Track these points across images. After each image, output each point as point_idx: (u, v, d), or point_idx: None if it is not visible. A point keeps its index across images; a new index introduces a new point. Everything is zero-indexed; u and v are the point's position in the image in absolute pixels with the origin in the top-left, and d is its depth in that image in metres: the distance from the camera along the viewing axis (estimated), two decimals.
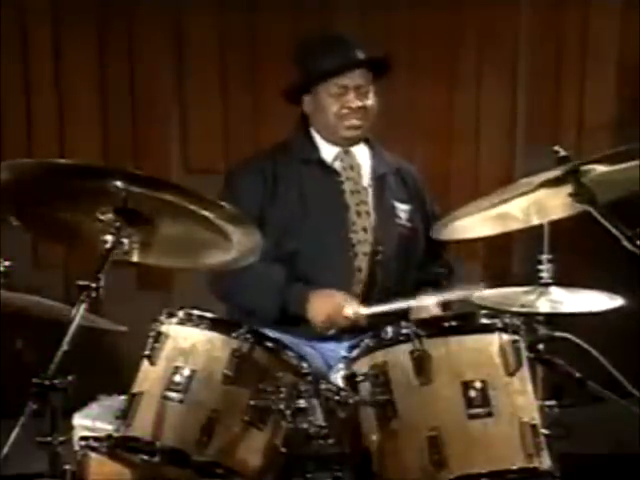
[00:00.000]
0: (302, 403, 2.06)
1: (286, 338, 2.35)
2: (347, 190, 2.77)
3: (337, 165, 2.80)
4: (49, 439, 1.90)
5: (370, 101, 2.76)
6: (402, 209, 2.81)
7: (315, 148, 2.81)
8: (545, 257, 2.44)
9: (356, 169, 2.80)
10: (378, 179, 2.81)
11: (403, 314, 2.60)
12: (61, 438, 1.92)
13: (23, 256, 3.83)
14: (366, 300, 2.62)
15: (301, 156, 2.80)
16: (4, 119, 4.02)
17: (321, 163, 2.79)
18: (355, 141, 2.81)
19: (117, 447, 2.05)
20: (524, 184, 2.17)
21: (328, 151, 2.80)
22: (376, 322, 2.47)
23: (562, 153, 2.13)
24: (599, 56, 4.24)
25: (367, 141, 2.85)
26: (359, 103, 2.73)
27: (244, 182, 2.77)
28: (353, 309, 2.56)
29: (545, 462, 2.00)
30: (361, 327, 2.53)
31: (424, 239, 2.80)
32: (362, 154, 2.83)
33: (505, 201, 2.23)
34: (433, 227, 2.51)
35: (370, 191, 2.79)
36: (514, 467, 1.96)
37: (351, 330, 2.56)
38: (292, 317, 2.64)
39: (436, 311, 2.60)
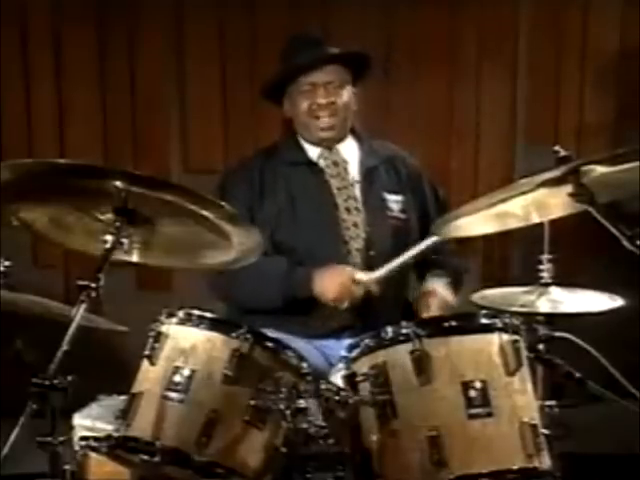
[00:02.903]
0: (302, 403, 2.06)
1: (287, 338, 2.35)
2: (334, 188, 2.78)
3: (322, 163, 2.81)
4: (49, 439, 1.90)
5: (342, 98, 2.76)
6: (393, 200, 2.81)
7: (301, 150, 2.82)
8: (545, 257, 2.44)
9: (341, 165, 2.81)
10: (366, 173, 2.81)
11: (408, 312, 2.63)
12: (61, 438, 1.92)
13: (23, 256, 3.83)
14: (364, 295, 2.61)
15: (288, 159, 2.82)
16: (4, 119, 4.02)
17: (307, 163, 2.81)
18: (333, 141, 2.81)
19: (117, 447, 2.05)
20: (524, 184, 2.17)
21: (312, 151, 2.82)
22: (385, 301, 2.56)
23: (562, 153, 2.13)
24: (599, 56, 4.24)
25: (355, 135, 2.85)
26: (329, 99, 2.73)
27: (232, 189, 2.77)
28: (362, 275, 2.57)
29: (545, 462, 2.00)
30: (371, 298, 2.57)
31: (420, 227, 2.81)
32: (349, 149, 2.84)
33: (505, 200, 2.23)
34: (435, 219, 2.50)
35: (358, 186, 2.80)
36: (514, 467, 1.95)
37: (363, 302, 2.58)
38: (297, 304, 2.64)
39: (445, 294, 2.67)
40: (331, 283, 2.58)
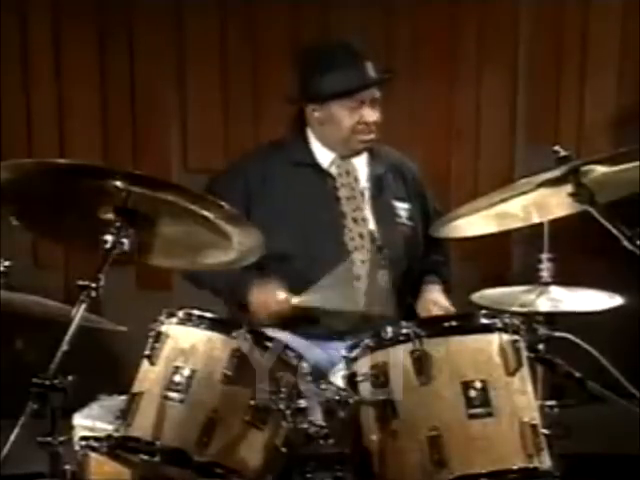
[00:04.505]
0: (302, 403, 2.06)
1: (292, 338, 2.35)
2: (343, 197, 2.74)
3: (333, 171, 2.77)
4: (49, 439, 1.90)
5: (379, 113, 2.74)
6: (402, 207, 2.80)
7: (309, 151, 2.77)
8: (545, 256, 2.44)
9: (352, 174, 2.77)
10: (375, 180, 2.78)
11: (409, 312, 2.62)
12: (61, 438, 1.92)
13: (23, 256, 3.83)
14: (367, 305, 2.62)
15: (294, 158, 2.77)
16: (4, 119, 4.02)
17: (316, 167, 2.77)
18: (363, 152, 2.79)
19: (117, 447, 2.05)
20: (524, 184, 2.17)
21: (324, 156, 2.77)
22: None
23: (562, 153, 2.13)
24: (599, 56, 4.24)
25: None
26: (374, 117, 2.71)
27: (224, 186, 2.71)
28: (284, 296, 2.61)
29: (545, 462, 2.00)
30: (293, 317, 2.61)
31: (423, 235, 2.79)
32: (359, 157, 2.80)
33: (505, 200, 2.23)
34: (434, 224, 2.51)
35: (367, 194, 2.77)
36: (514, 467, 1.96)
37: (293, 320, 2.61)
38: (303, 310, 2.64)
39: (442, 301, 2.65)
40: (258, 297, 2.63)
